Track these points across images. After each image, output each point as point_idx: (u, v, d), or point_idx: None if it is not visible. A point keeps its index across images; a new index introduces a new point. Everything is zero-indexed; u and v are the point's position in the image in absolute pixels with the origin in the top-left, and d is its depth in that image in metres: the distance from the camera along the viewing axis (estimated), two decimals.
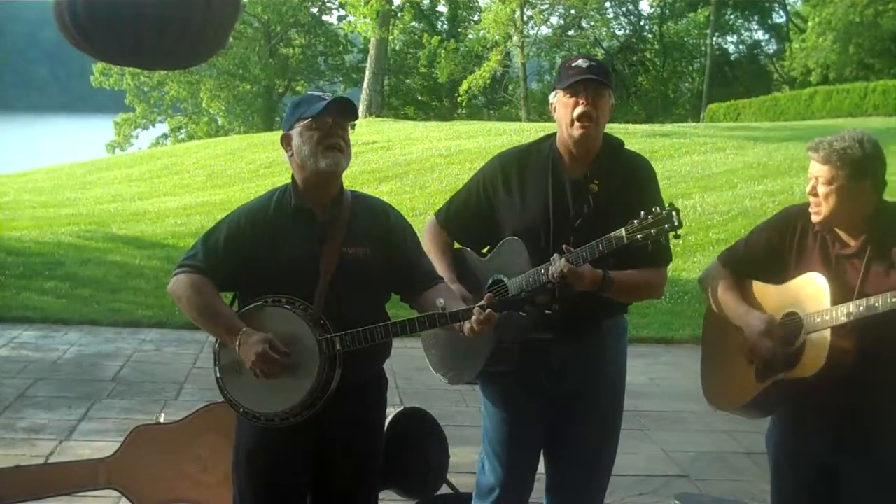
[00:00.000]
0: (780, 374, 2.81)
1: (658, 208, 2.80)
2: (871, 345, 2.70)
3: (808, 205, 2.92)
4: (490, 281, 3.16)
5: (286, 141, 2.88)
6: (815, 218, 2.82)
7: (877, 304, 2.62)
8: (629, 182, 3.10)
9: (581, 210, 3.05)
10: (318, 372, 2.72)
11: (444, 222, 3.31)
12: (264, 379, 2.73)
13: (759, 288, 2.99)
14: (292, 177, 2.91)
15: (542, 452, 3.30)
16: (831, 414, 2.81)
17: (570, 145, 3.06)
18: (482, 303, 2.72)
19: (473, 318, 2.71)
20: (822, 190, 2.77)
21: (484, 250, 3.28)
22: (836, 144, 2.75)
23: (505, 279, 3.10)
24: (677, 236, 2.80)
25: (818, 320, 2.74)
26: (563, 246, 2.90)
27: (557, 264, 2.86)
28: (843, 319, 2.68)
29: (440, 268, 3.20)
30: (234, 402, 2.85)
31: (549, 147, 3.14)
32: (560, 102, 3.05)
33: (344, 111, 2.83)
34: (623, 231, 2.81)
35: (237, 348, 2.75)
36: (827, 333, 2.71)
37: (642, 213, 2.80)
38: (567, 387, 3.16)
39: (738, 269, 3.04)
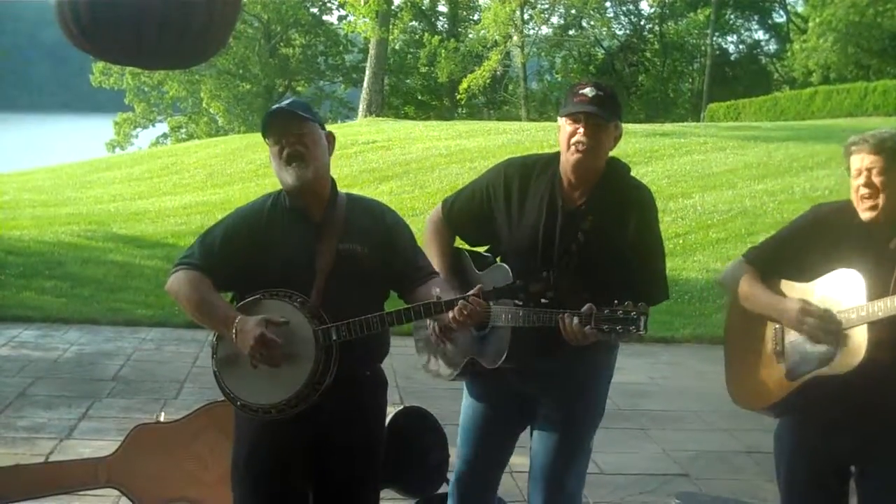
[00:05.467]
0: (815, 372, 2.75)
1: (631, 306, 2.76)
2: None
3: (840, 203, 2.87)
4: None
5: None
6: (869, 214, 2.75)
7: None
8: (626, 220, 3.04)
9: (569, 247, 3.04)
10: (315, 362, 2.72)
11: (448, 215, 3.31)
12: (262, 368, 2.72)
13: (786, 286, 2.93)
14: None
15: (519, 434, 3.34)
16: (861, 415, 2.75)
17: (568, 171, 3.06)
18: (474, 291, 2.73)
19: (459, 305, 2.72)
20: (878, 180, 2.72)
21: (482, 249, 3.31)
22: (882, 136, 2.74)
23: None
24: (640, 338, 2.74)
25: (853, 316, 2.67)
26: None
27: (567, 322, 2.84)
28: (881, 315, 2.61)
29: (437, 268, 3.20)
30: (231, 394, 2.84)
31: (554, 168, 3.12)
32: (562, 127, 3.05)
33: (287, 121, 2.80)
34: (591, 319, 2.78)
35: (234, 337, 2.73)
36: (864, 329, 2.64)
37: (615, 302, 2.78)
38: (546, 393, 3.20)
39: (766, 267, 2.98)
